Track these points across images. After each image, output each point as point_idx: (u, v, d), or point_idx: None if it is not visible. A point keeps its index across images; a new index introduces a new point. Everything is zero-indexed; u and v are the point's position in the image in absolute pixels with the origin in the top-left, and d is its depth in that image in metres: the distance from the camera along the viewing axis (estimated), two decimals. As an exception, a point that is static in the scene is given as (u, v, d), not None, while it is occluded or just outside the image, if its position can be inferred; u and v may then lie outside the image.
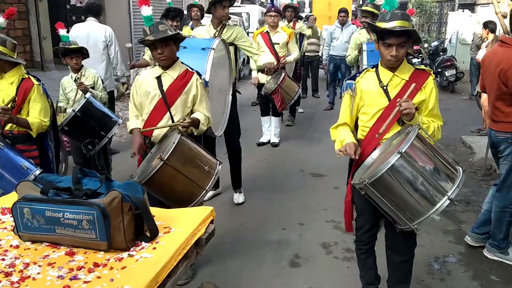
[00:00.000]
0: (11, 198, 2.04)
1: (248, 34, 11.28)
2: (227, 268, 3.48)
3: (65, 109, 4.35)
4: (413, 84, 2.41)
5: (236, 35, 4.40)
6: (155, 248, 1.72)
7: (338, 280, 3.33)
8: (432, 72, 2.60)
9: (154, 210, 1.91)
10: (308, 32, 8.85)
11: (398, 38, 2.41)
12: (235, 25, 4.62)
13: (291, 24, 7.70)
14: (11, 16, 3.60)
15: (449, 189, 2.17)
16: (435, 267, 3.49)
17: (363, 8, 6.00)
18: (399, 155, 2.14)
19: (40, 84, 3.33)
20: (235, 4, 16.83)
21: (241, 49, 4.55)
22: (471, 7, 16.78)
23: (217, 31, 4.33)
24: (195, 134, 3.07)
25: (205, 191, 2.80)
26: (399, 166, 2.17)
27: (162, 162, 2.62)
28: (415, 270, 2.97)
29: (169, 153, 2.65)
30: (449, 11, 18.08)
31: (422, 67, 2.65)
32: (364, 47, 4.67)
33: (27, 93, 3.24)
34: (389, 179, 2.19)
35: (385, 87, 2.53)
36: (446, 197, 2.16)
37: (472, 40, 10.78)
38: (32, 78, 3.32)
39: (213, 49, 3.81)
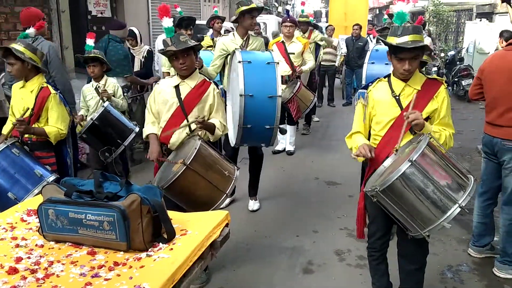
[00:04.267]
0: (36, 200, 2.15)
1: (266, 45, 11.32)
2: (241, 274, 3.53)
3: (86, 116, 4.49)
4: (415, 95, 2.47)
5: (260, 47, 4.50)
6: (172, 249, 1.80)
7: (351, 286, 3.36)
8: (444, 81, 2.63)
9: (171, 214, 2.00)
10: (322, 42, 8.89)
11: (411, 53, 2.45)
12: (257, 35, 4.71)
13: (306, 34, 7.75)
14: (40, 28, 3.75)
15: (460, 197, 2.20)
16: (448, 276, 3.49)
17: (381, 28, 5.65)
18: (410, 163, 2.18)
19: (57, 93, 3.43)
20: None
21: None
22: (489, 16, 16.67)
23: (244, 41, 4.43)
24: (211, 140, 3.15)
25: (225, 195, 2.87)
26: (410, 174, 2.21)
27: (185, 167, 2.68)
28: (428, 278, 2.98)
29: (191, 158, 2.71)
30: (467, 20, 17.97)
31: (434, 76, 2.69)
32: (371, 46, 4.69)
33: (44, 101, 3.35)
34: (400, 186, 2.23)
35: (397, 97, 2.57)
36: (457, 205, 2.18)
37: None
38: (49, 87, 3.43)
39: (278, 63, 3.95)
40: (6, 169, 3.15)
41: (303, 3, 8.23)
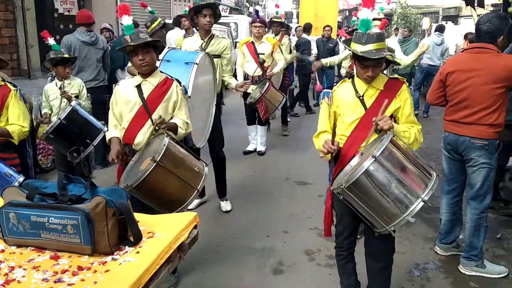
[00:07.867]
0: (-4, 204, 2.07)
1: (235, 44, 11.36)
2: (211, 275, 3.51)
3: (50, 114, 4.37)
4: (386, 100, 2.49)
5: (224, 49, 4.45)
6: (138, 252, 1.76)
7: (320, 286, 3.39)
8: (405, 81, 2.70)
9: (138, 216, 1.96)
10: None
11: (374, 61, 2.51)
12: (223, 38, 4.66)
13: (278, 37, 7.74)
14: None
15: (423, 192, 2.25)
16: (415, 274, 3.56)
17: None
18: (374, 159, 2.22)
19: (17, 90, 3.31)
20: (224, 14, 16.86)
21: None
22: (455, 19, 17.17)
23: (204, 41, 4.38)
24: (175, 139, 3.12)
25: (196, 191, 2.83)
26: (374, 170, 2.25)
27: (155, 164, 2.64)
28: (396, 276, 3.03)
29: (161, 155, 2.68)
30: (433, 22, 18.43)
31: (396, 76, 2.75)
32: (341, 47, 4.72)
33: (4, 99, 3.22)
34: (365, 182, 2.26)
35: (361, 97, 2.63)
36: (420, 199, 2.23)
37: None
38: (8, 84, 3.30)
39: (196, 63, 3.80)
40: None
41: (277, 6, 8.24)
